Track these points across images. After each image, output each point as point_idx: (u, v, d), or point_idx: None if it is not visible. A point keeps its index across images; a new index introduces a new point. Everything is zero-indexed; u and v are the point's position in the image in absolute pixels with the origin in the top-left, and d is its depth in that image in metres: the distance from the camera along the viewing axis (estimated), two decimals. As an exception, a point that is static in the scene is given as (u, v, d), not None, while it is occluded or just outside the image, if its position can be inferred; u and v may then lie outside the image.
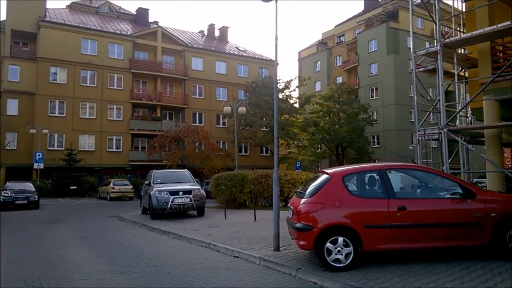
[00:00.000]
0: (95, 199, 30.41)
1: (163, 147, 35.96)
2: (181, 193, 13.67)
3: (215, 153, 36.00)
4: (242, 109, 24.02)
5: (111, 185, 29.31)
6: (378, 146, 44.91)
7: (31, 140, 33.06)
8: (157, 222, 13.01)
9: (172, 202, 13.43)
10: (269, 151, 43.16)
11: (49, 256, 8.26)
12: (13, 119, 33.74)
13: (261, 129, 40.21)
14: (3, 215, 17.91)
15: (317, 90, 50.15)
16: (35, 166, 30.31)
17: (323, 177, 6.58)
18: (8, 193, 20.66)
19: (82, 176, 32.93)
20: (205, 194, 14.57)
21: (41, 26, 35.25)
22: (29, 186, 22.58)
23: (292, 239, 7.06)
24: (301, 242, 6.12)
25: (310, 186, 6.68)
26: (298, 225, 6.14)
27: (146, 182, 15.13)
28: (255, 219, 12.01)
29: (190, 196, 13.71)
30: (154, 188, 13.96)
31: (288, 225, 6.94)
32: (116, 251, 8.55)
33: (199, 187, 14.55)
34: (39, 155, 30.30)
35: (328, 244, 5.90)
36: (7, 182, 23.63)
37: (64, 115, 35.31)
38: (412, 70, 13.87)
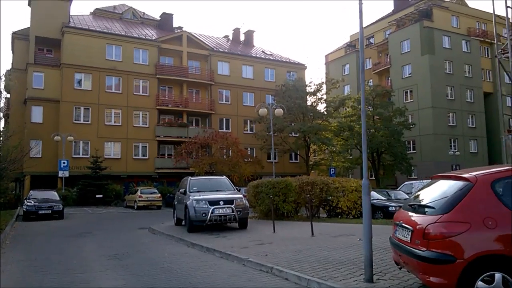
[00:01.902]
0: (121, 208, 29.12)
1: (190, 154, 34.59)
2: (221, 202, 11.97)
3: (244, 159, 34.40)
4: (279, 111, 22.28)
5: (139, 193, 27.95)
6: (414, 151, 42.38)
7: (56, 147, 32.16)
8: (196, 236, 11.33)
9: (212, 213, 11.73)
10: (298, 157, 41.24)
11: (74, 283, 6.65)
12: (38, 127, 32.93)
13: (290, 134, 38.41)
14: (25, 226, 16.59)
15: (345, 94, 48.10)
16: (60, 174, 29.30)
17: (457, 183, 4.64)
18: (31, 202, 19.40)
19: (107, 184, 31.73)
20: (248, 204, 12.81)
21: (65, 32, 34.54)
22: (54, 194, 21.32)
23: (400, 268, 5.24)
24: (434, 279, 4.21)
25: (435, 196, 4.82)
26: (427, 253, 4.27)
27: (181, 190, 13.49)
28: (312, 234, 10.16)
29: (232, 206, 11.99)
30: (190, 197, 12.31)
31: (395, 249, 5.10)
32: (157, 277, 6.86)
33: (241, 196, 12.81)
34: (64, 163, 29.29)
35: (480, 284, 4.05)
36: (31, 191, 22.50)
37: (89, 122, 34.36)
38: (496, 56, 11.79)
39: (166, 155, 37.95)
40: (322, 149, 36.68)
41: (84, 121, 34.26)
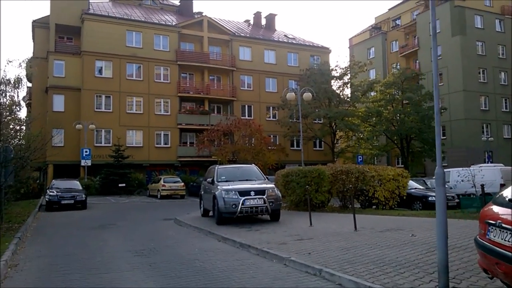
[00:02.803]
0: (144, 197, 28.70)
1: (213, 142, 33.89)
2: (253, 193, 11.10)
3: (268, 147, 33.48)
4: (307, 95, 21.16)
5: (162, 182, 27.39)
6: (444, 137, 40.51)
7: (78, 136, 31.91)
8: (226, 228, 10.53)
9: (242, 204, 10.89)
10: (323, 144, 40.06)
11: (99, 285, 5.91)
12: (60, 115, 32.69)
13: (314, 121, 37.23)
14: (48, 216, 16.16)
15: (371, 78, 46.40)
16: (82, 163, 29.04)
17: None
18: (53, 192, 18.99)
19: (130, 173, 31.33)
20: (280, 195, 11.91)
21: (84, 19, 34.01)
22: (76, 184, 20.90)
23: (491, 278, 4.28)
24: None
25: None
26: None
27: (209, 179, 12.68)
28: (355, 228, 9.20)
29: (264, 197, 11.11)
30: (219, 187, 11.50)
31: (487, 255, 4.12)
32: (190, 279, 6.05)
33: (273, 185, 11.92)
34: (86, 152, 29.00)
35: None
36: (53, 180, 22.15)
37: (110, 110, 33.95)
38: None
39: (188, 143, 37.37)
40: (348, 136, 35.34)
41: (105, 109, 33.88)
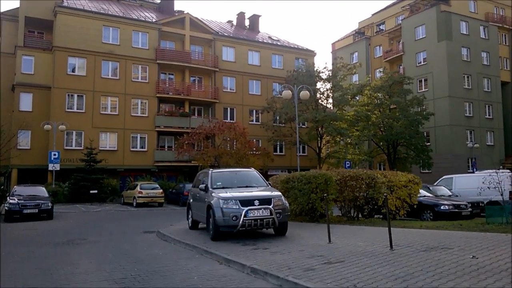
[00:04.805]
0: (118, 205, 26.35)
1: (193, 145, 31.86)
2: (257, 202, 9.23)
3: (252, 151, 31.68)
4: (305, 93, 19.62)
5: (138, 188, 25.16)
6: (429, 143, 39.71)
7: (47, 138, 29.30)
8: (225, 246, 8.63)
9: (245, 216, 9.00)
10: (306, 150, 38.55)
11: None
12: (27, 115, 29.98)
13: (299, 125, 35.61)
14: (6, 229, 13.77)
15: (355, 82, 45.29)
16: (50, 167, 26.44)
17: None
18: (14, 200, 16.53)
19: (103, 179, 28.85)
20: (288, 204, 10.08)
21: (58, 12, 31.46)
22: (42, 190, 18.44)
23: None
24: None
25: None
26: None
27: (201, 186, 10.70)
28: (391, 246, 7.46)
29: (270, 207, 9.25)
30: (214, 195, 9.59)
31: None
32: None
33: (280, 193, 10.06)
34: (54, 155, 26.45)
35: None
36: (15, 186, 19.63)
37: (83, 111, 31.41)
38: None
39: (166, 147, 35.16)
40: (336, 140, 33.91)
41: (77, 109, 31.33)
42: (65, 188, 27.52)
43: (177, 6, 44.45)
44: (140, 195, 24.87)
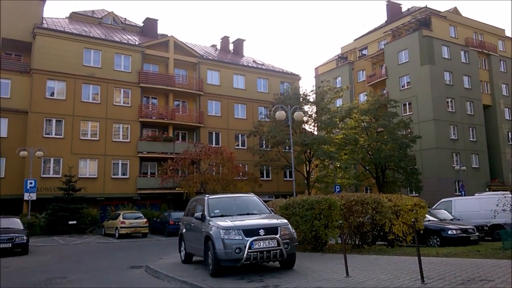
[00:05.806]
0: (99, 237, 24.70)
1: (177, 171, 30.65)
2: (262, 232, 8.23)
3: (239, 177, 30.67)
4: (299, 114, 18.98)
5: (121, 218, 23.64)
6: (415, 167, 39.50)
7: (22, 166, 27.66)
8: (228, 283, 7.56)
9: (249, 248, 7.99)
10: (293, 174, 37.68)
11: None
12: (2, 142, 28.43)
13: (285, 150, 35.06)
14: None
15: (338, 106, 45.22)
16: (26, 197, 24.72)
17: None
18: (-15, 234, 15.02)
19: (82, 208, 27.23)
20: (295, 233, 9.10)
21: (36, 33, 30.40)
22: (16, 222, 16.86)
23: None
24: None
25: None
26: None
27: (197, 214, 9.64)
28: (422, 280, 6.55)
29: (277, 237, 8.28)
30: (212, 224, 8.57)
31: None
32: None
33: (286, 221, 9.10)
34: (31, 183, 24.78)
35: None
36: (-14, 218, 18.01)
37: (61, 136, 29.93)
38: None
39: (149, 173, 33.78)
40: (325, 164, 33.24)
41: (56, 135, 29.84)
42: (41, 219, 25.74)
43: (160, 30, 43.75)
44: (123, 225, 23.37)
